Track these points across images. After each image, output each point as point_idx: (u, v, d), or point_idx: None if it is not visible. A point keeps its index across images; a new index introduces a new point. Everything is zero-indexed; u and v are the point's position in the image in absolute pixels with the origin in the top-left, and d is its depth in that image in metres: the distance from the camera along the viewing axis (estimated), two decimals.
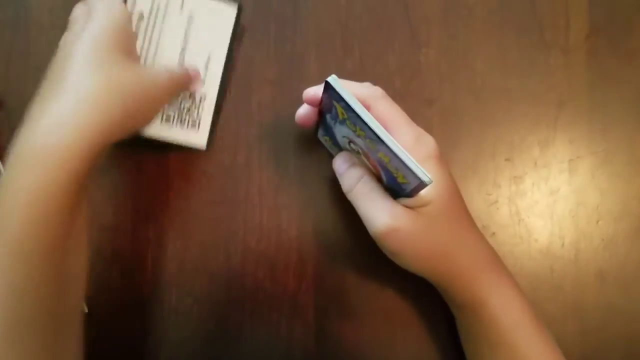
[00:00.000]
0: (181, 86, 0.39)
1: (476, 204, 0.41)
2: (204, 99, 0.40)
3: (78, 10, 0.36)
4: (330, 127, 0.36)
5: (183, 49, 0.39)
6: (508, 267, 0.36)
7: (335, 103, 0.32)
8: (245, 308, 0.41)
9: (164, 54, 0.39)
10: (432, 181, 0.30)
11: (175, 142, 0.39)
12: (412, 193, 0.32)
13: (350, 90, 0.30)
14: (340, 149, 0.38)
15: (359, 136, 0.33)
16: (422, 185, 0.30)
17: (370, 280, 0.41)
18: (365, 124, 0.30)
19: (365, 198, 0.34)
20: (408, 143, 0.33)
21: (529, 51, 0.42)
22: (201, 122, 0.40)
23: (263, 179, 0.41)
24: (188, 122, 0.40)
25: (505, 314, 0.34)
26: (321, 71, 0.42)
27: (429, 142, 0.34)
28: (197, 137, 0.40)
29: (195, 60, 0.40)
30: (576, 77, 0.42)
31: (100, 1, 0.35)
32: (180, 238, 0.41)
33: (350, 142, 0.35)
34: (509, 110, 0.42)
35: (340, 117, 0.33)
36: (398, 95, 0.41)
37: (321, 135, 0.40)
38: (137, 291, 0.41)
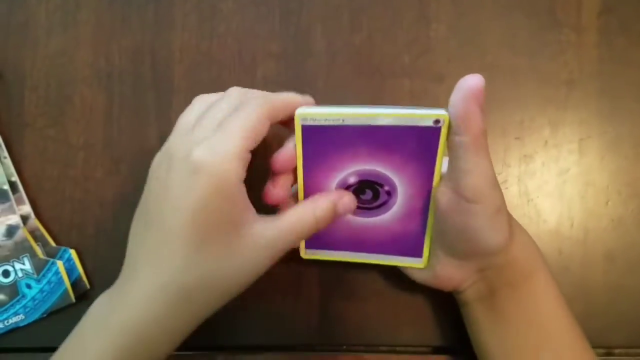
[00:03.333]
0: (321, 227, 0.32)
1: None
2: None
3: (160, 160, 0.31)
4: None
5: None
6: None
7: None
8: (249, 288, 0.40)
9: None
10: (448, 113, 0.29)
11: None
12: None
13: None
14: None
15: None
16: (436, 130, 0.29)
17: None
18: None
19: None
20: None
21: (539, 29, 0.41)
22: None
23: (268, 157, 0.40)
24: None
25: (547, 293, 0.33)
26: (327, 46, 0.41)
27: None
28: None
29: None
30: (587, 57, 0.41)
31: (204, 153, 0.28)
32: None
33: None
34: (518, 88, 0.41)
35: None
36: (406, 72, 0.41)
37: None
38: None
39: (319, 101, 0.37)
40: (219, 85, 0.40)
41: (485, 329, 0.35)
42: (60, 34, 0.42)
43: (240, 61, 0.42)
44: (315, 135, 0.31)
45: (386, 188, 0.33)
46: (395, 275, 0.40)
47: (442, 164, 0.32)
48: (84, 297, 0.40)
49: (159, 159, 0.32)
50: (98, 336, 0.30)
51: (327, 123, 0.30)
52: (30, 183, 0.41)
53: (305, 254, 0.37)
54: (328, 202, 0.32)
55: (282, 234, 0.30)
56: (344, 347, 0.40)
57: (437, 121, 0.29)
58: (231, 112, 0.30)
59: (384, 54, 0.41)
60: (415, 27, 0.41)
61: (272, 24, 0.42)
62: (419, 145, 0.31)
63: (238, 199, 0.29)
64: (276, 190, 0.33)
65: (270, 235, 0.30)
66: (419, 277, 0.37)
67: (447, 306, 0.40)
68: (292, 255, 0.40)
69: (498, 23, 0.41)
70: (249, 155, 0.30)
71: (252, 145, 0.30)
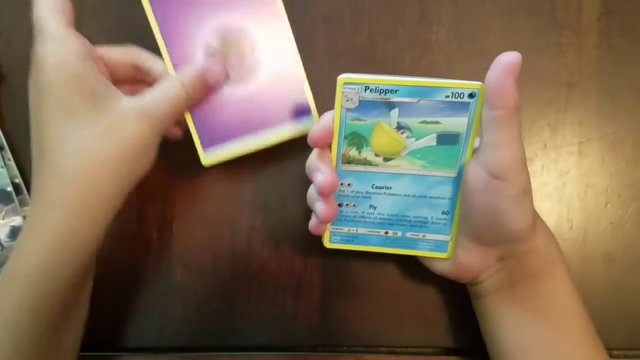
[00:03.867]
0: (194, 97, 0.34)
1: None
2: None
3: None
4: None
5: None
6: None
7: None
8: (250, 287, 0.41)
9: None
10: (482, 85, 0.30)
11: None
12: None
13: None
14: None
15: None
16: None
17: (375, 259, 0.41)
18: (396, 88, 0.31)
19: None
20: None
21: (540, 31, 0.42)
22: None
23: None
24: None
25: (565, 288, 0.33)
26: (329, 47, 0.41)
27: None
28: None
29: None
30: (587, 58, 0.41)
31: (40, 33, 0.31)
32: (185, 216, 0.41)
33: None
34: (518, 90, 0.41)
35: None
36: (407, 73, 0.41)
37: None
38: (142, 269, 0.41)
39: (321, 102, 0.37)
40: None
41: (502, 322, 0.35)
42: None
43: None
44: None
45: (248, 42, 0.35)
46: (395, 276, 0.41)
47: (475, 140, 0.33)
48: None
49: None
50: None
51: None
52: None
53: (329, 244, 0.37)
54: (195, 70, 0.34)
55: (153, 102, 0.32)
56: (345, 347, 0.41)
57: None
58: None
59: (385, 55, 0.41)
60: (416, 29, 0.41)
61: None
62: None
63: (85, 74, 0.31)
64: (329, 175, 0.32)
65: (139, 103, 0.32)
66: (439, 267, 0.37)
67: (447, 308, 0.40)
68: (292, 256, 0.41)
69: (499, 24, 0.42)
70: (71, 14, 0.32)
71: (66, 16, 0.32)
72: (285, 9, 0.41)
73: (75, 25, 0.32)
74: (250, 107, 0.36)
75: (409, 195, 0.35)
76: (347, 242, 0.37)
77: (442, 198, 0.35)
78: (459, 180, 0.34)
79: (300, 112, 0.37)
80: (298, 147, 0.37)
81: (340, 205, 0.36)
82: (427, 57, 0.41)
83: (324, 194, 0.33)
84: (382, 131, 0.33)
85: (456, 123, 0.32)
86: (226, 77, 0.36)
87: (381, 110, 0.32)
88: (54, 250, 0.30)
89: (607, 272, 0.40)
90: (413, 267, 0.40)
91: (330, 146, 0.34)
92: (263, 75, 0.36)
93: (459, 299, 0.40)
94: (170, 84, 0.33)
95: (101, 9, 0.42)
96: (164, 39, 0.35)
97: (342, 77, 0.32)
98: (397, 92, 0.31)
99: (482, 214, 0.32)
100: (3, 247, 0.40)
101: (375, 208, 0.36)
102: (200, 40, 0.35)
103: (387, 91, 0.32)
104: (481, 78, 0.40)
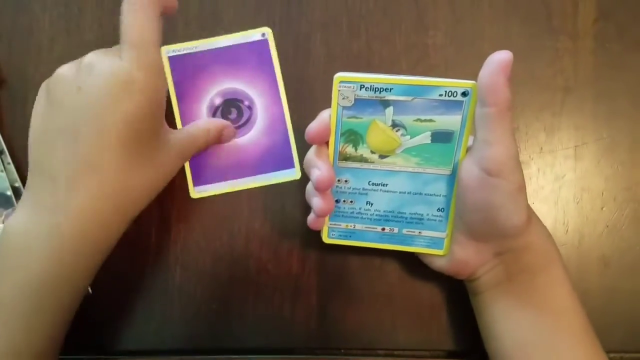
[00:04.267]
0: (210, 144, 0.40)
1: None
2: None
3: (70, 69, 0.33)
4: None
5: None
6: None
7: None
8: (248, 289, 0.41)
9: None
10: (475, 83, 0.31)
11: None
12: None
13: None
14: None
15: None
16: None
17: (373, 263, 0.41)
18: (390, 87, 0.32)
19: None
20: None
21: (536, 36, 0.42)
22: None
23: None
24: None
25: (563, 285, 0.34)
26: (327, 52, 0.42)
27: None
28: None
29: None
30: (583, 63, 0.42)
31: (135, 53, 0.31)
32: (184, 219, 0.41)
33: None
34: (515, 95, 0.41)
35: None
36: None
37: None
38: (140, 271, 0.41)
39: (320, 106, 0.37)
40: None
41: (500, 318, 0.35)
42: (64, 40, 0.43)
43: None
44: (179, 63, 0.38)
45: (246, 103, 0.41)
46: (392, 279, 0.41)
47: (468, 139, 0.33)
48: (84, 300, 0.40)
49: (58, 77, 0.33)
50: (44, 247, 0.31)
51: (188, 52, 0.37)
52: None
53: (328, 239, 0.38)
54: (219, 124, 0.39)
55: (187, 143, 0.37)
56: (342, 350, 0.41)
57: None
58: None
59: (382, 60, 0.42)
60: (413, 34, 0.42)
61: (272, 31, 0.42)
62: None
63: (161, 112, 0.33)
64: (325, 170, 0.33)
65: (177, 144, 0.35)
66: (437, 263, 0.37)
67: (445, 310, 0.41)
68: (290, 258, 0.41)
69: (495, 30, 0.42)
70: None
71: (159, 43, 0.33)
72: (283, 14, 0.42)
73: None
74: (241, 155, 0.41)
75: (405, 192, 0.35)
76: (345, 237, 0.38)
77: (437, 195, 0.35)
78: (453, 178, 0.34)
79: (286, 163, 0.41)
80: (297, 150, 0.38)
81: (337, 201, 0.36)
82: (424, 62, 0.42)
83: (320, 189, 0.33)
84: (378, 129, 0.33)
85: (450, 121, 0.33)
86: (234, 137, 0.41)
87: (376, 108, 0.33)
88: (71, 254, 0.31)
89: (603, 274, 0.40)
90: (410, 269, 0.41)
91: (327, 143, 0.35)
92: (255, 129, 0.41)
93: (456, 302, 0.40)
94: (202, 130, 0.38)
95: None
96: (176, 95, 0.41)
97: (338, 76, 0.32)
98: (392, 90, 0.32)
99: (477, 210, 0.33)
100: None
101: (372, 205, 0.36)
102: (206, 99, 0.41)
103: (382, 89, 0.32)
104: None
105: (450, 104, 0.32)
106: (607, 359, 0.33)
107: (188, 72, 0.41)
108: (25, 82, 0.42)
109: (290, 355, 0.41)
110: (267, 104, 0.41)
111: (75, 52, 0.42)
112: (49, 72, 0.42)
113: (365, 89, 0.32)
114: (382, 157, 0.35)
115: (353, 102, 0.33)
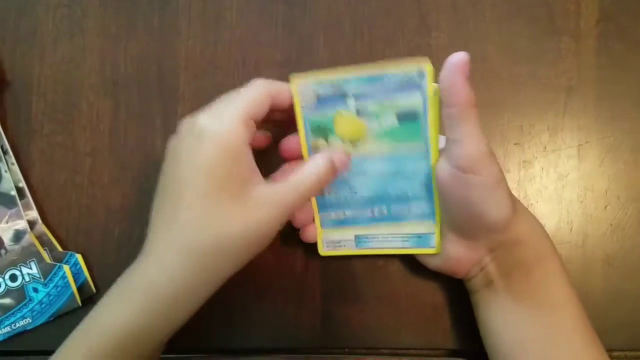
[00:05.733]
0: (326, 183, 0.34)
1: None
2: None
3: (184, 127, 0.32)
4: None
5: None
6: None
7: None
8: (252, 291, 0.41)
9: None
10: (428, 60, 0.31)
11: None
12: None
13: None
14: None
15: None
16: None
17: (376, 264, 0.41)
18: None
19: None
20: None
21: (539, 37, 0.42)
22: None
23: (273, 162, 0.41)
24: None
25: (560, 279, 0.34)
26: (329, 54, 0.42)
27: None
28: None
29: None
30: (586, 63, 0.42)
31: (208, 118, 0.31)
32: None
33: None
34: (518, 95, 0.42)
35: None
36: None
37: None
38: None
39: None
40: (222, 93, 0.41)
41: (498, 315, 0.35)
42: (67, 42, 0.43)
43: (244, 69, 0.42)
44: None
45: None
46: (395, 279, 0.41)
47: (439, 140, 0.33)
48: (90, 301, 0.41)
49: (171, 141, 0.33)
50: (122, 299, 0.32)
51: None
52: (38, 189, 0.42)
53: (324, 251, 0.38)
54: (324, 158, 0.33)
55: (288, 192, 0.32)
56: (346, 350, 0.41)
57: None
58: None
59: None
60: (416, 35, 0.42)
61: (275, 32, 0.42)
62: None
63: (243, 160, 0.31)
64: None
65: (276, 194, 0.32)
66: (432, 263, 0.38)
67: (448, 310, 0.41)
68: (294, 259, 0.41)
69: (498, 30, 0.42)
70: (252, 123, 0.32)
71: (254, 113, 0.32)
72: (286, 16, 0.42)
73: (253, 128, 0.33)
74: None
75: (385, 175, 0.36)
76: (339, 226, 0.38)
77: (417, 172, 0.35)
78: (429, 153, 0.34)
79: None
80: None
81: (322, 195, 0.37)
82: None
83: None
84: (343, 119, 0.34)
85: (411, 100, 0.33)
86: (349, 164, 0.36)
87: (338, 100, 0.33)
88: (146, 313, 0.31)
89: (607, 274, 0.40)
90: (413, 270, 0.41)
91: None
92: None
93: (460, 301, 0.40)
94: (306, 172, 0.33)
95: None
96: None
97: (294, 76, 0.33)
98: (350, 81, 0.33)
99: (459, 208, 0.33)
100: (7, 251, 0.40)
101: (356, 192, 0.37)
102: None
103: (340, 82, 0.33)
104: (480, 84, 0.40)
105: (408, 85, 0.32)
106: (602, 348, 0.33)
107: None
108: (29, 83, 0.42)
109: (294, 355, 0.41)
110: None
111: (79, 55, 0.42)
112: (53, 74, 0.42)
113: (323, 84, 0.33)
114: (354, 145, 0.35)
115: (315, 99, 0.34)
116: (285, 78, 0.41)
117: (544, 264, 0.34)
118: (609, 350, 0.34)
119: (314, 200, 0.38)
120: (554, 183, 0.41)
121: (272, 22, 0.42)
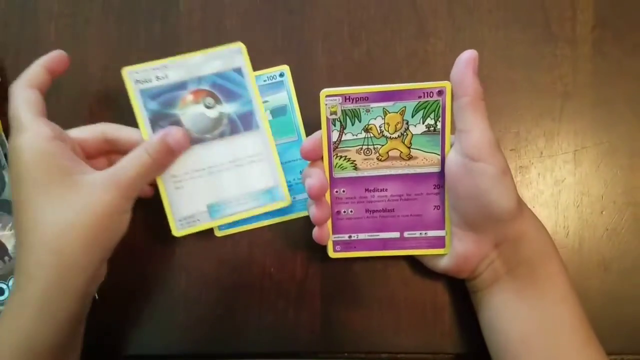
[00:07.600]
0: (160, 160, 0.37)
1: None
2: None
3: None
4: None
5: None
6: None
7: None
8: (253, 294, 0.41)
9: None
10: (449, 83, 0.34)
11: None
12: None
13: None
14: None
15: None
16: None
17: (375, 267, 0.41)
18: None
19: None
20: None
21: (535, 43, 0.42)
22: None
23: None
24: None
25: (561, 278, 0.35)
26: (328, 61, 0.42)
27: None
28: None
29: None
30: (582, 69, 0.42)
31: (15, 125, 0.34)
32: None
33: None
34: (514, 101, 0.42)
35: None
36: None
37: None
38: (146, 277, 0.42)
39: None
40: None
41: (501, 312, 0.36)
42: (70, 51, 0.43)
43: None
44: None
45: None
46: (395, 282, 0.41)
47: (451, 137, 0.36)
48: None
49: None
50: (12, 315, 0.33)
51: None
52: None
53: (333, 253, 0.39)
54: (157, 136, 0.36)
55: (121, 172, 0.34)
56: (346, 353, 0.41)
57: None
58: None
59: (383, 68, 0.42)
60: (414, 42, 0.42)
61: (274, 40, 0.43)
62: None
63: (56, 154, 0.33)
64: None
65: (107, 175, 0.34)
66: (440, 264, 0.38)
67: (447, 313, 0.41)
68: (294, 264, 0.41)
69: (494, 37, 0.43)
70: (42, 106, 0.36)
71: (36, 97, 0.35)
72: (285, 23, 0.42)
73: (45, 114, 0.36)
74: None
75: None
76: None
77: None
78: (443, 173, 0.36)
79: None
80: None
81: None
82: (425, 69, 0.42)
83: (314, 196, 0.35)
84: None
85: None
86: (187, 140, 0.38)
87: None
88: (34, 321, 0.32)
89: (603, 278, 0.41)
90: (413, 273, 0.41)
91: (322, 158, 0.36)
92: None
93: (459, 305, 0.40)
94: (136, 152, 0.35)
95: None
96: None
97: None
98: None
99: (468, 198, 0.34)
100: (11, 258, 0.41)
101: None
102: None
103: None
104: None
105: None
106: (600, 346, 0.34)
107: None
108: None
109: (294, 359, 0.41)
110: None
111: (81, 63, 0.43)
112: (55, 82, 0.43)
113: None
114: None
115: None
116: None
117: (546, 260, 0.35)
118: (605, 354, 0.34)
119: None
120: (551, 188, 0.42)
121: (271, 30, 0.43)
